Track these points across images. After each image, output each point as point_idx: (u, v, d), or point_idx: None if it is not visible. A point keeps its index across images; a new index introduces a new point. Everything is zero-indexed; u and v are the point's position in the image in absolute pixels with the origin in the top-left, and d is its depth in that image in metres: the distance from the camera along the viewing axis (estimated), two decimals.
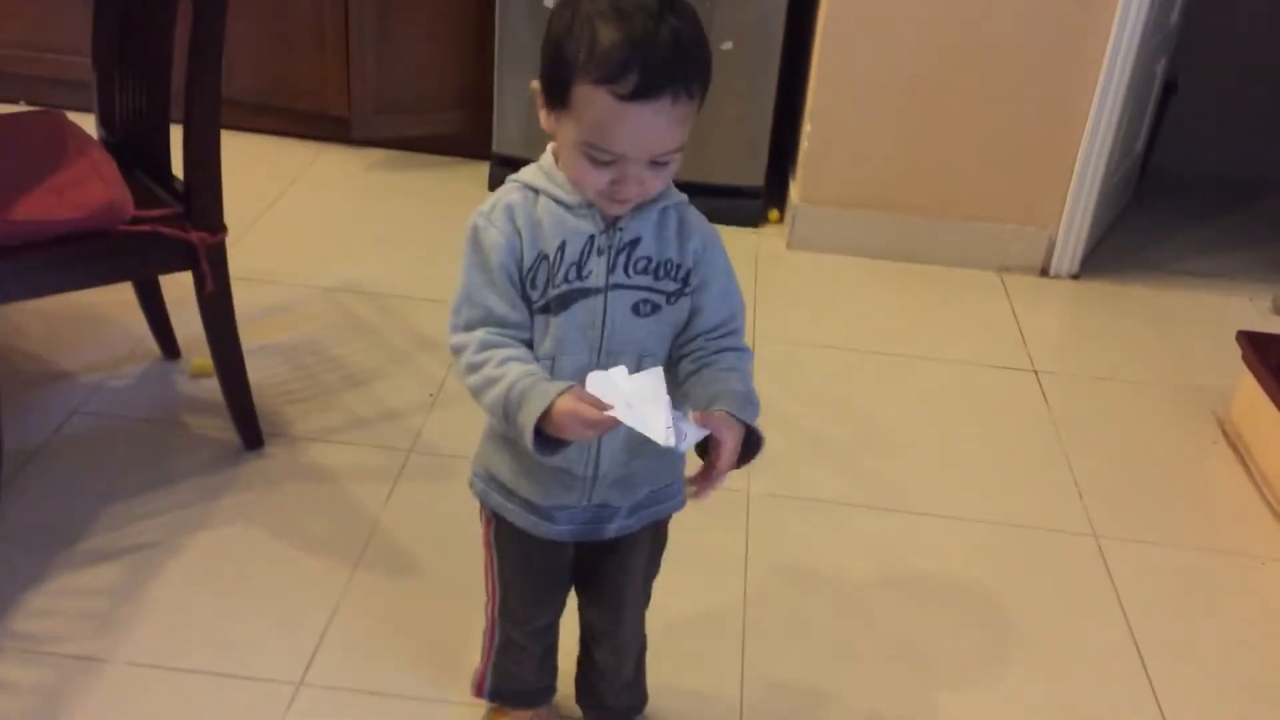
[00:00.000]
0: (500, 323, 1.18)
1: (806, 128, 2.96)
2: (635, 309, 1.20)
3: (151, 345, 2.33)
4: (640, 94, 1.07)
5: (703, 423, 1.13)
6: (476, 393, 1.18)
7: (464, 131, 3.30)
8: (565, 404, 1.11)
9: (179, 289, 2.26)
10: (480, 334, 1.18)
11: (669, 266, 1.21)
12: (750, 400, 1.19)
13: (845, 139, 2.95)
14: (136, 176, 1.96)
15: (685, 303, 1.23)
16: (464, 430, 2.16)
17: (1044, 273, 3.02)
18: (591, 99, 1.09)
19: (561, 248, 1.18)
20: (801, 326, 2.68)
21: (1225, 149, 3.70)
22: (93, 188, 1.84)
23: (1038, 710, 1.71)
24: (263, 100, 3.28)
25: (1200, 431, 2.42)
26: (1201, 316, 2.87)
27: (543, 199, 1.19)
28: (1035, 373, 2.59)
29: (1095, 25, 2.76)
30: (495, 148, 3.20)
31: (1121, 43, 2.77)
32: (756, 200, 3.15)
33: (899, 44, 2.83)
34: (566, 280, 1.18)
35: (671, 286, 1.21)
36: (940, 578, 1.96)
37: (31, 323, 2.38)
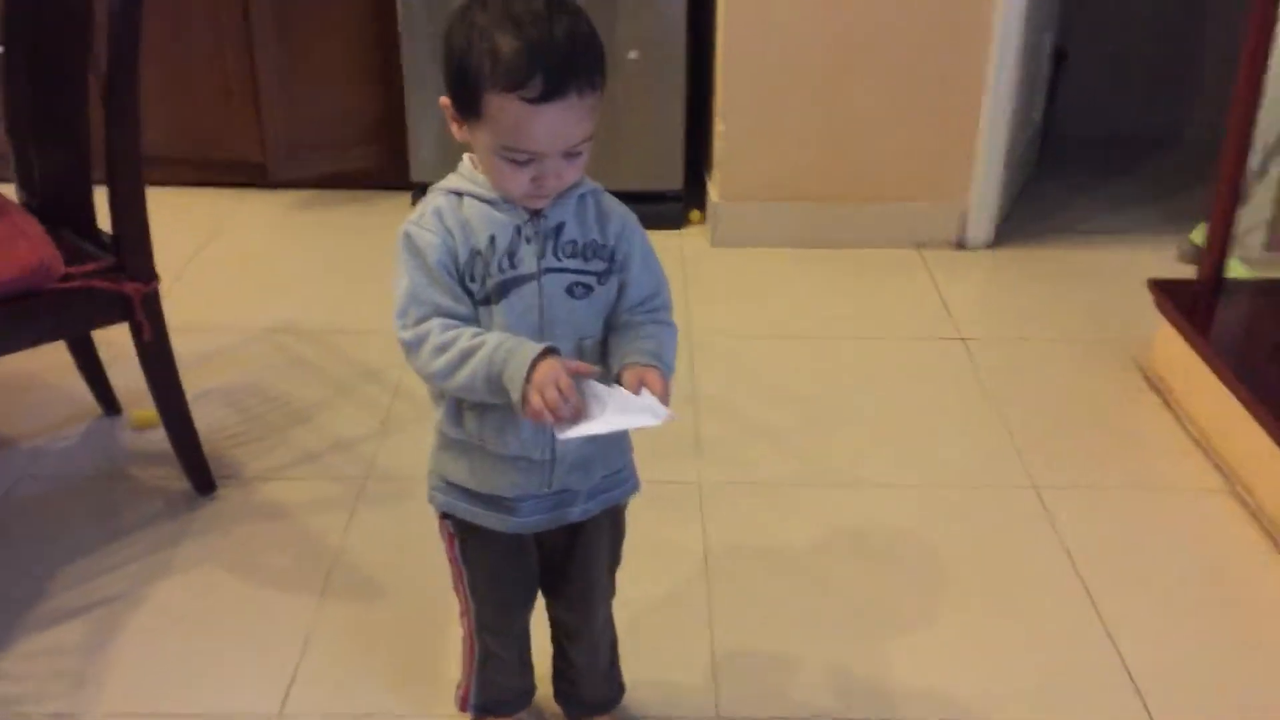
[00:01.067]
0: (450, 315, 1.22)
1: (719, 127, 3.04)
2: (570, 291, 1.25)
3: (90, 404, 2.33)
4: (548, 96, 1.13)
5: (630, 387, 1.19)
6: (449, 370, 1.20)
7: (380, 164, 3.33)
8: (551, 363, 1.16)
9: (113, 346, 2.28)
10: (437, 322, 1.22)
11: (595, 248, 1.26)
12: (659, 357, 1.25)
13: (757, 134, 3.02)
14: (61, 236, 1.96)
15: (614, 282, 1.28)
16: (418, 452, 2.17)
17: (960, 245, 3.12)
18: (503, 106, 1.15)
19: (492, 240, 1.23)
20: (734, 319, 2.75)
21: (1119, 110, 3.85)
22: (20, 248, 1.84)
23: (995, 655, 1.77)
24: (175, 153, 3.26)
25: (1124, 379, 2.52)
26: (1114, 272, 2.98)
27: (467, 200, 1.24)
28: (962, 340, 2.67)
29: (980, 1, 2.86)
30: (414, 176, 3.23)
31: (1010, 14, 2.87)
32: (677, 203, 3.22)
33: (798, 37, 2.91)
34: (501, 270, 1.23)
35: (600, 267, 1.27)
36: (890, 542, 2.03)
37: None
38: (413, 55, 3.08)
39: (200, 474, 2.08)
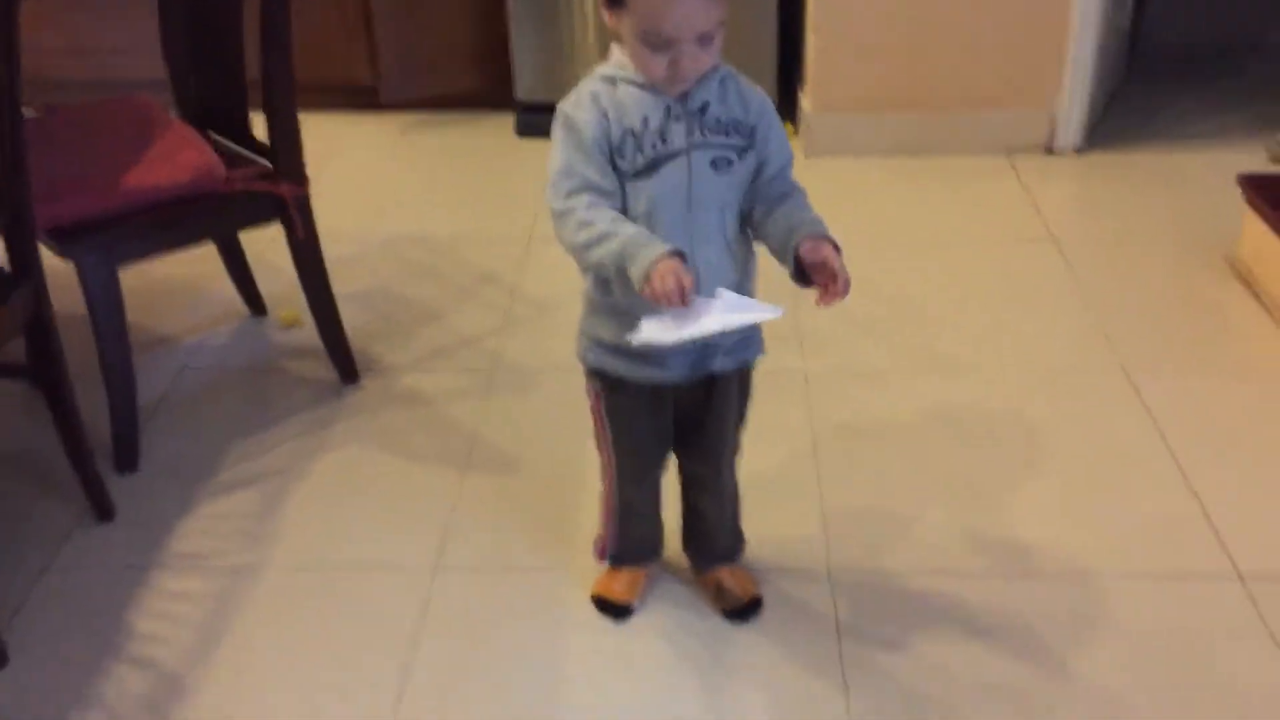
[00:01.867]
0: (597, 190, 1.37)
1: (810, 39, 3.13)
2: (714, 165, 1.40)
3: (239, 305, 2.53)
4: None
5: (808, 255, 1.38)
6: (587, 245, 1.34)
7: (486, 86, 3.48)
8: (674, 261, 1.29)
9: (257, 253, 2.48)
10: (585, 197, 1.36)
11: (736, 125, 1.40)
12: (820, 220, 1.42)
13: (848, 46, 3.11)
14: (218, 145, 2.15)
15: (752, 157, 1.42)
16: (537, 346, 2.40)
17: (1049, 151, 3.19)
18: None
19: (645, 120, 1.37)
20: (831, 226, 2.85)
21: (1205, 18, 3.86)
22: (189, 155, 2.03)
23: (1089, 513, 1.90)
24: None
25: (1213, 272, 2.60)
26: (1202, 173, 3.04)
27: (621, 85, 1.38)
28: (1055, 241, 2.77)
29: None
30: (518, 96, 3.37)
31: None
32: None
33: None
34: (653, 147, 1.37)
35: (741, 142, 1.41)
36: (987, 421, 2.16)
37: (125, 296, 2.57)
38: None
39: (347, 365, 2.27)
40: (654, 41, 1.31)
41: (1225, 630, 1.69)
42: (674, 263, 1.29)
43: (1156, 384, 2.22)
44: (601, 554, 1.76)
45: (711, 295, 1.34)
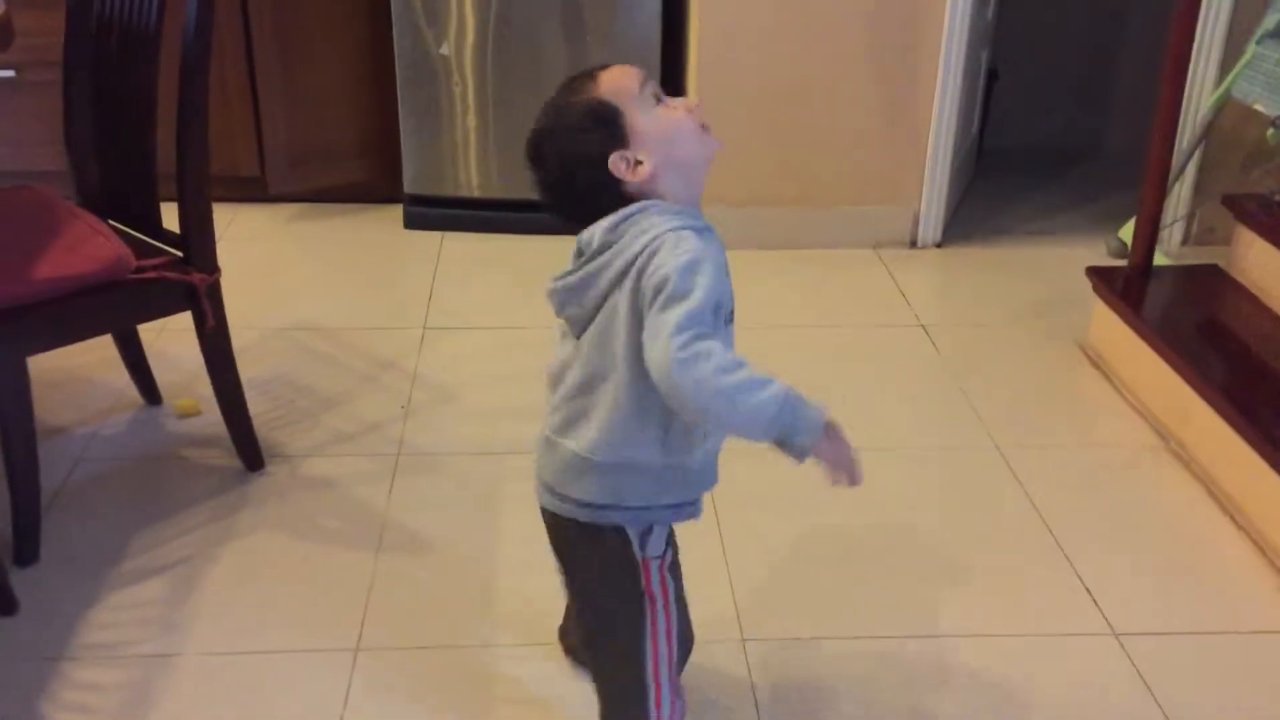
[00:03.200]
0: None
1: None
2: None
3: (132, 394, 2.51)
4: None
5: None
6: (742, 388, 1.23)
7: (374, 177, 3.54)
8: (839, 427, 1.30)
9: (148, 339, 2.48)
10: (718, 344, 1.24)
11: None
12: None
13: (726, 145, 3.27)
14: (121, 234, 2.16)
15: None
16: (440, 431, 2.44)
17: (913, 244, 3.42)
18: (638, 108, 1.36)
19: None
20: None
21: (1044, 124, 4.21)
22: (98, 244, 2.04)
23: (977, 598, 2.05)
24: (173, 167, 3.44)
25: (1067, 356, 2.83)
26: (1050, 266, 3.30)
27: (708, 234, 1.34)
28: (922, 326, 2.97)
29: (929, 25, 3.17)
30: (406, 188, 3.45)
31: (953, 37, 3.19)
32: None
33: (765, 57, 3.19)
34: (732, 298, 1.36)
35: None
36: (878, 499, 2.29)
37: None
38: (408, 72, 3.31)
39: (252, 452, 2.28)
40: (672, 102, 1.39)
41: (1102, 686, 1.83)
42: (841, 430, 1.31)
43: (1027, 459, 2.40)
44: None
45: None
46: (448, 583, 2.01)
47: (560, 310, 1.41)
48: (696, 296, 1.24)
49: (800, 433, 1.28)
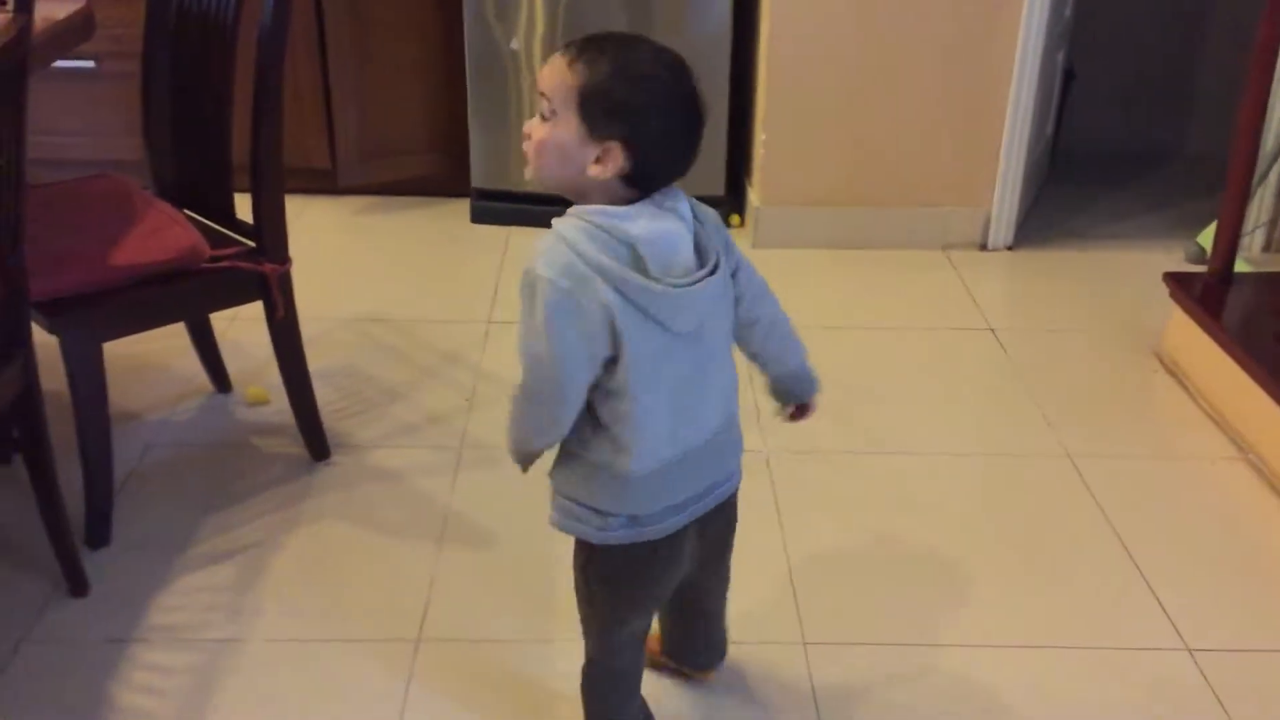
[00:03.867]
0: None
1: (760, 136, 3.28)
2: None
3: (203, 381, 2.54)
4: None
5: None
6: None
7: (442, 171, 3.56)
8: None
9: (219, 328, 2.51)
10: None
11: None
12: None
13: (796, 144, 3.27)
14: (196, 224, 2.19)
15: None
16: (503, 426, 2.43)
17: (983, 247, 3.37)
18: None
19: None
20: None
21: (1122, 126, 4.12)
22: (174, 233, 2.07)
23: (1047, 609, 2.00)
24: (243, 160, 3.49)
25: (1141, 363, 2.76)
26: (1124, 271, 3.23)
27: None
28: (991, 330, 2.92)
29: (1006, 23, 3.12)
30: (474, 183, 3.46)
31: (1030, 37, 3.13)
32: (718, 207, 3.43)
33: (836, 54, 3.16)
34: None
35: None
36: (943, 502, 2.26)
37: None
38: (477, 69, 3.32)
39: (318, 441, 2.30)
40: None
41: (1176, 701, 1.79)
42: None
43: (1097, 469, 2.35)
44: None
45: None
46: (509, 577, 2.01)
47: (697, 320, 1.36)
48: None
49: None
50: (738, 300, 1.46)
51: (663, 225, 1.31)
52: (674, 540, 1.45)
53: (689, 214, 1.36)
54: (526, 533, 2.11)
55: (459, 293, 3.08)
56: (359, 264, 3.25)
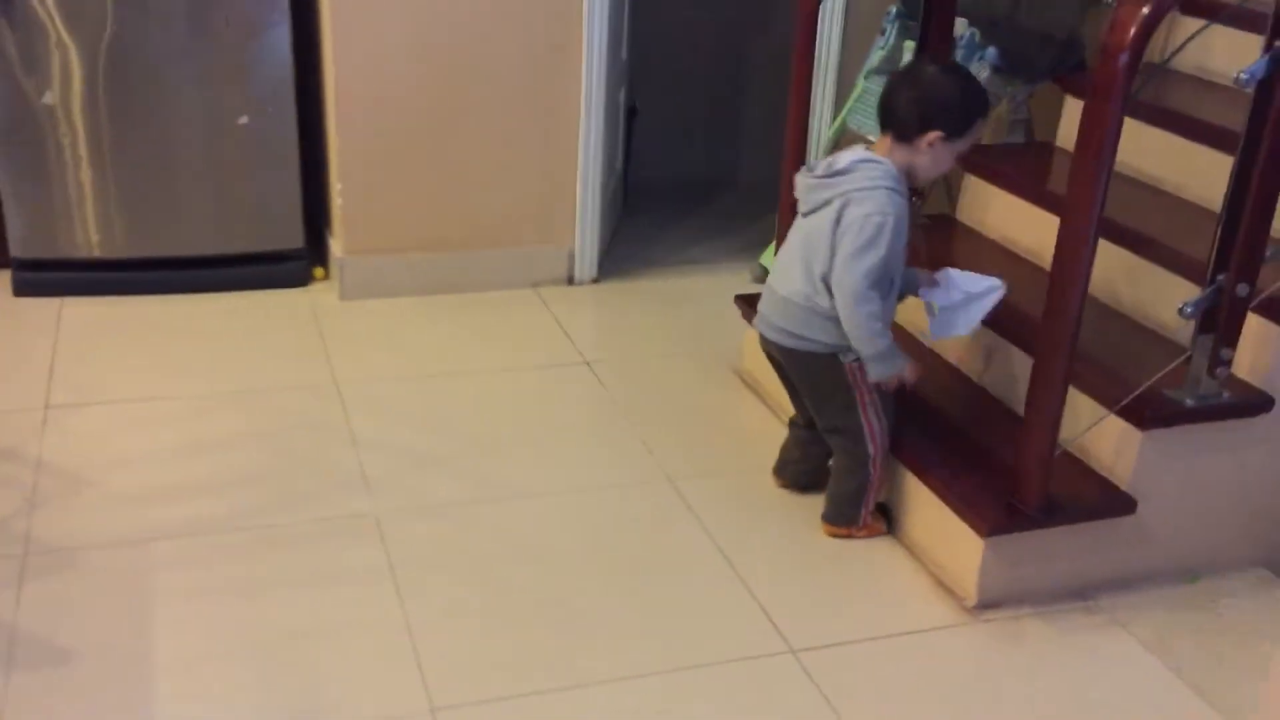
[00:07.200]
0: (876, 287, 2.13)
1: (336, 186, 3.17)
2: None
3: None
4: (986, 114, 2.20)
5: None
6: (872, 334, 2.12)
7: None
8: (905, 374, 2.20)
9: None
10: (876, 293, 2.11)
11: None
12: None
13: (375, 191, 3.19)
14: None
15: None
16: (75, 523, 2.18)
17: (570, 281, 3.45)
18: (980, 124, 2.16)
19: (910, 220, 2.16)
20: (375, 365, 2.89)
21: (682, 159, 4.39)
22: None
23: (666, 634, 2.06)
24: None
25: (725, 380, 2.93)
26: (702, 294, 3.43)
27: (899, 195, 2.13)
28: (587, 363, 2.98)
29: (568, 65, 3.22)
30: (14, 252, 3.10)
31: (592, 76, 3.25)
32: (301, 261, 3.30)
33: (406, 98, 3.12)
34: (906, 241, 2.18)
35: None
36: (560, 545, 2.26)
37: None
38: (2, 122, 2.97)
39: None
40: (965, 151, 2.19)
41: (788, 707, 1.89)
42: (905, 374, 2.20)
43: (697, 489, 2.45)
44: (866, 521, 2.31)
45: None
46: (98, 700, 1.78)
47: (804, 197, 2.22)
48: (872, 255, 2.08)
49: (876, 370, 2.17)
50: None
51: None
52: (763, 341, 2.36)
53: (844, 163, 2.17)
54: (109, 643, 1.88)
55: (4, 378, 2.72)
56: None
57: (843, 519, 2.31)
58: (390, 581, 2.10)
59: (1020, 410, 2.12)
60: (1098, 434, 2.20)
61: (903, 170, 2.15)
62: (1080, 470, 2.23)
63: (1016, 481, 2.10)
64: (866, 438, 2.24)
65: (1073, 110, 2.90)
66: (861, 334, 2.12)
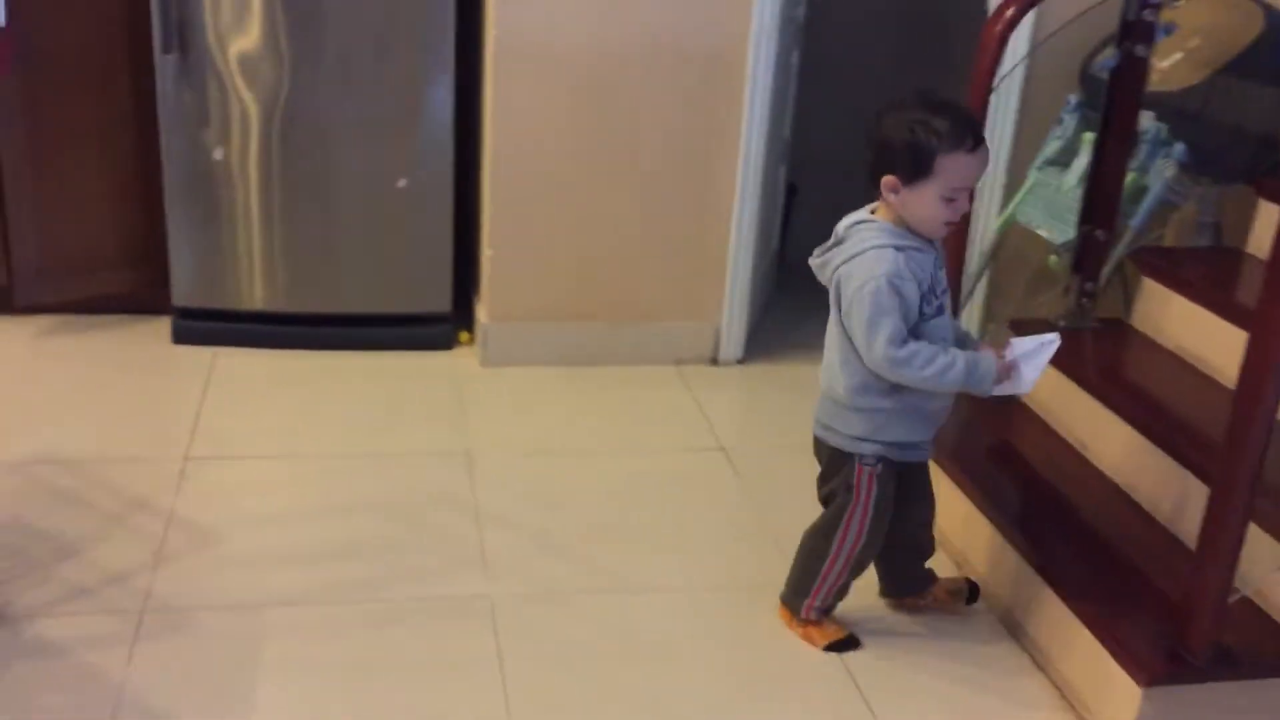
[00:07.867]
0: (911, 335, 1.92)
1: (487, 252, 3.17)
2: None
3: None
4: (976, 145, 1.88)
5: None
6: (940, 374, 1.91)
7: (138, 288, 3.26)
8: (1000, 362, 1.98)
9: None
10: (912, 344, 1.90)
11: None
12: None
13: (523, 259, 3.17)
14: None
15: None
16: (194, 583, 2.18)
17: (714, 361, 3.35)
18: (953, 160, 1.86)
19: (931, 276, 1.94)
20: (509, 436, 2.85)
21: None
22: None
23: None
24: None
25: None
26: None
27: (908, 251, 1.92)
28: (723, 449, 2.87)
29: (726, 141, 3.15)
30: (175, 300, 3.18)
31: (750, 154, 3.17)
32: (446, 324, 3.31)
33: (563, 170, 3.10)
34: (937, 296, 1.96)
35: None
36: (671, 643, 2.15)
37: None
38: (176, 178, 3.07)
39: None
40: (953, 195, 1.88)
41: None
42: (1001, 361, 1.98)
43: None
44: (806, 612, 2.16)
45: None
46: None
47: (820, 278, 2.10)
48: (886, 323, 1.89)
49: (977, 387, 1.96)
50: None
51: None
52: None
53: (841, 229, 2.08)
54: (210, 710, 1.85)
55: (152, 425, 2.78)
56: (35, 394, 2.90)
57: (793, 600, 2.19)
58: (498, 671, 2.02)
59: (1186, 540, 1.93)
60: None
61: (899, 223, 1.96)
62: (1258, 617, 2.01)
63: (1182, 625, 1.90)
64: (836, 539, 2.10)
65: (1267, 215, 2.67)
66: (933, 383, 1.94)
